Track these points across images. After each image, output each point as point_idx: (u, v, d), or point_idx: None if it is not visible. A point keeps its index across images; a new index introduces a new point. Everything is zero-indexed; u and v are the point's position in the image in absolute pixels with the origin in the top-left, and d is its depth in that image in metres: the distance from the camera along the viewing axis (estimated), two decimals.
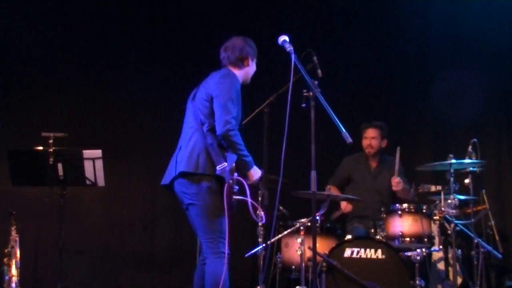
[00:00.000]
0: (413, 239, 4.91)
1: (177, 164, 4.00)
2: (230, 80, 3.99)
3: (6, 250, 5.04)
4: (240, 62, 4.12)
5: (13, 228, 5.05)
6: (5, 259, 5.03)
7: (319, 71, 4.07)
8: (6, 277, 5.00)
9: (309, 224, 4.91)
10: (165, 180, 4.11)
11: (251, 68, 4.19)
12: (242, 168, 4.03)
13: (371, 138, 5.55)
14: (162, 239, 6.22)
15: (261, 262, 4.62)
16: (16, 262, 5.01)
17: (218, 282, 3.87)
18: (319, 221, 4.95)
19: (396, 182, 5.21)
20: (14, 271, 4.99)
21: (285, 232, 5.09)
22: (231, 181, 3.87)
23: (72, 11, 6.19)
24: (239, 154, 3.95)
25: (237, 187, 3.92)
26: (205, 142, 3.93)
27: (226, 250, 3.92)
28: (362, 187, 5.54)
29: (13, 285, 4.98)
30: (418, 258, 4.74)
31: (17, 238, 5.04)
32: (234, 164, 3.95)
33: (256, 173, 4.07)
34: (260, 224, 4.63)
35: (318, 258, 4.53)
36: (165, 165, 6.20)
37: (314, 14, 6.44)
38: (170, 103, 6.12)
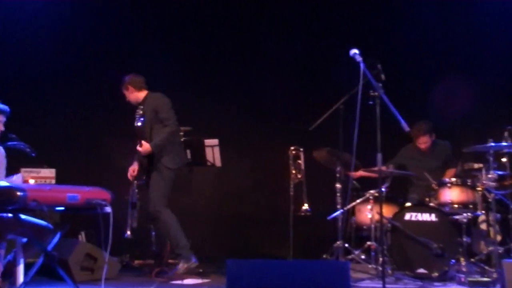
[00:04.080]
0: (460, 205, 5.04)
1: None
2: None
3: None
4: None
5: None
6: None
7: (383, 76, 4.29)
8: (153, 233, 5.49)
9: (376, 194, 5.14)
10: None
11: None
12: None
13: (424, 143, 5.64)
14: (260, 204, 6.39)
15: (340, 223, 5.03)
16: None
17: None
18: (384, 192, 5.08)
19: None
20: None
21: (358, 201, 5.35)
22: None
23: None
24: None
25: None
26: None
27: None
28: (416, 169, 5.61)
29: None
30: (464, 220, 4.86)
31: None
32: None
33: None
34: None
35: (384, 221, 4.74)
36: (258, 149, 6.34)
37: (379, 25, 6.44)
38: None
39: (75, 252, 4.79)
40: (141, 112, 5.26)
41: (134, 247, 5.76)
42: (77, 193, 3.58)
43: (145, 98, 5.31)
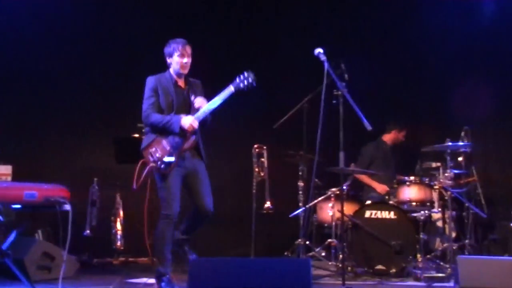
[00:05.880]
0: (418, 203, 5.12)
1: None
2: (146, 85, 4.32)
3: (112, 211, 5.55)
4: (167, 62, 4.35)
5: (117, 195, 5.53)
6: (112, 217, 5.55)
7: (346, 76, 4.34)
8: (113, 230, 5.52)
9: (337, 192, 5.11)
10: None
11: (173, 61, 4.29)
12: (172, 129, 4.06)
13: (405, 136, 5.83)
14: (222, 202, 5.73)
15: (302, 221, 5.02)
16: (120, 219, 5.50)
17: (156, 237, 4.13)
18: (345, 190, 5.15)
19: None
20: (118, 226, 5.49)
21: (320, 198, 5.38)
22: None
23: None
24: (162, 125, 4.09)
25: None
26: None
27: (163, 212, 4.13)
28: (383, 166, 5.72)
29: (118, 236, 5.49)
30: (422, 218, 4.95)
31: (121, 202, 5.52)
32: (147, 144, 4.07)
33: (186, 121, 4.09)
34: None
35: (345, 218, 4.72)
36: (222, 146, 6.00)
37: (342, 24, 6.48)
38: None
39: (32, 251, 4.59)
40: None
41: (93, 245, 5.61)
42: (35, 191, 3.51)
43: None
